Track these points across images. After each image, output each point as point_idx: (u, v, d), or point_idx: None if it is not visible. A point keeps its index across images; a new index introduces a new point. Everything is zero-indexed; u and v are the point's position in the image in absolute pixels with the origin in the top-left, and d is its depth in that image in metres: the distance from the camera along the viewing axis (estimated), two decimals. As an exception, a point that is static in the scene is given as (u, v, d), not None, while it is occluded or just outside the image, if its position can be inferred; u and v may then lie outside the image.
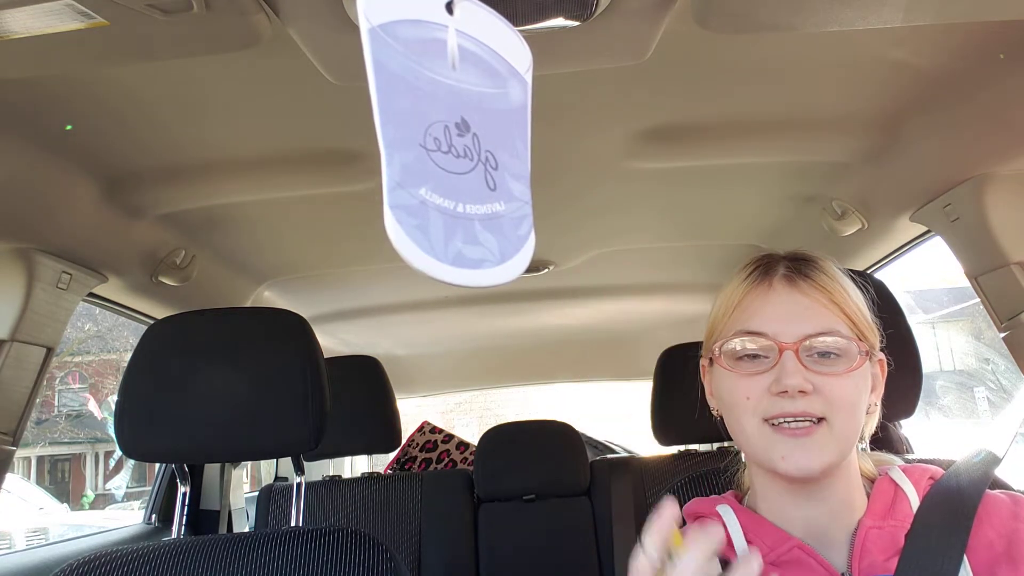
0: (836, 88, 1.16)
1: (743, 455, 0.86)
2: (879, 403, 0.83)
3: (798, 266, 0.81)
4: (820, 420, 0.76)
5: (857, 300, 0.80)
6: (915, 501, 0.80)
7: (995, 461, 0.86)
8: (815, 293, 0.78)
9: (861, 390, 0.78)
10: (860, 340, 0.78)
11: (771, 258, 0.83)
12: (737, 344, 0.79)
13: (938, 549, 0.75)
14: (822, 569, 0.77)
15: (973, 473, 0.82)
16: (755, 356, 0.78)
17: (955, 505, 0.78)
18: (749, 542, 0.80)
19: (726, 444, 2.23)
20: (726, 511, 0.83)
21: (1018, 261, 1.20)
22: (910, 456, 1.14)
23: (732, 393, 0.80)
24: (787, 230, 1.81)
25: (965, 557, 0.75)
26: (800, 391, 0.75)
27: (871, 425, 0.84)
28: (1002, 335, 1.28)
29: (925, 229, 1.46)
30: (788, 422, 0.76)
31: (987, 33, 0.96)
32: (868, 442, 0.85)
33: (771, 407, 0.76)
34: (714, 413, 0.86)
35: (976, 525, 0.77)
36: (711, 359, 0.84)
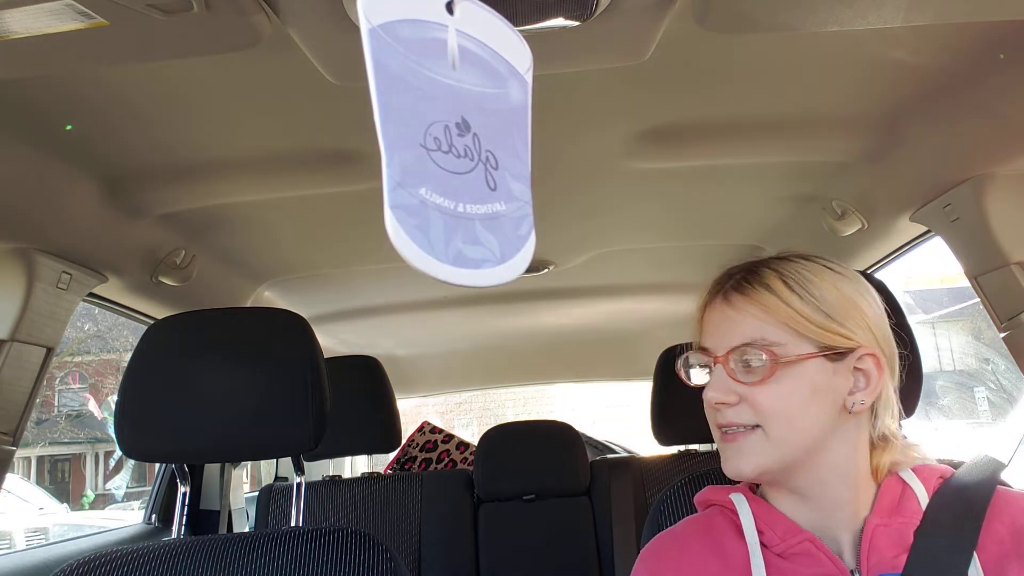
0: (836, 88, 1.16)
1: None
2: (881, 399, 0.81)
3: (740, 278, 0.83)
4: (756, 427, 0.79)
5: (804, 301, 0.79)
6: (924, 499, 0.80)
7: (1003, 464, 0.86)
8: (744, 304, 0.81)
9: (796, 394, 0.78)
10: (811, 342, 0.78)
11: (725, 274, 0.87)
12: (689, 358, 0.87)
13: (948, 545, 0.75)
14: (831, 564, 0.77)
15: (983, 471, 0.83)
16: (707, 369, 0.84)
17: (965, 502, 0.79)
18: (760, 532, 0.81)
19: (726, 444, 2.22)
20: (739, 500, 0.85)
21: (1018, 261, 1.20)
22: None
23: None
24: (787, 230, 1.81)
25: (975, 553, 0.75)
26: (720, 403, 0.80)
27: (881, 421, 0.83)
28: (1002, 335, 1.28)
29: (925, 229, 1.46)
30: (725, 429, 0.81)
31: (987, 33, 0.96)
32: (877, 439, 0.84)
33: (714, 417, 0.82)
34: None
35: (987, 521, 0.77)
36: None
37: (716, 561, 0.82)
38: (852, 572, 0.77)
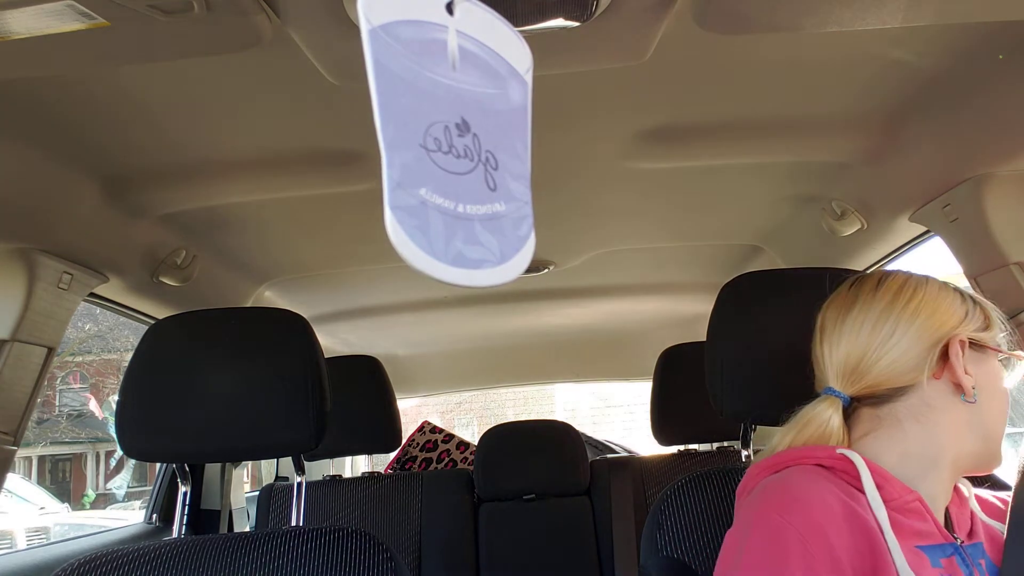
0: (836, 88, 1.16)
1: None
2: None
3: None
4: None
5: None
6: None
7: None
8: None
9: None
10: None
11: None
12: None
13: None
14: (934, 523, 0.84)
15: None
16: None
17: None
18: (879, 486, 0.84)
19: (726, 444, 2.23)
20: (855, 456, 0.86)
21: (1017, 261, 1.20)
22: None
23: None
24: (787, 230, 1.81)
25: None
26: None
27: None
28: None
29: (924, 229, 1.46)
30: None
31: (987, 33, 0.96)
32: None
33: None
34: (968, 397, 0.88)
35: None
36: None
37: (848, 503, 0.83)
38: (954, 536, 0.85)
